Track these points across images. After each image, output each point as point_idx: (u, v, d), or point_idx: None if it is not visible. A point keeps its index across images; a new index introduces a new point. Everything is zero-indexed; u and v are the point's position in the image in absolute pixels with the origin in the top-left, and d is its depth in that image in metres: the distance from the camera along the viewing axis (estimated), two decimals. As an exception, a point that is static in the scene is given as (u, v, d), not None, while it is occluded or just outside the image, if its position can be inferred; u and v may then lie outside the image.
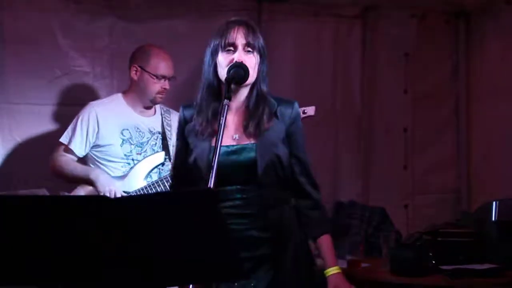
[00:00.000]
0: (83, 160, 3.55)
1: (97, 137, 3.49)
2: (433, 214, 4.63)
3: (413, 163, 4.80)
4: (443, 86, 4.89)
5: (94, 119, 3.48)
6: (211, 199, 1.80)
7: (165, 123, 3.61)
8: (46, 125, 3.99)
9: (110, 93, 4.05)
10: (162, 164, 3.54)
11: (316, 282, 2.52)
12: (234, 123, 2.46)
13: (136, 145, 3.52)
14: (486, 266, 3.50)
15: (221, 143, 2.19)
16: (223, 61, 2.40)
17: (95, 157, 3.52)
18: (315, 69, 4.63)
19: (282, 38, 4.50)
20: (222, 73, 2.40)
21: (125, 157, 3.50)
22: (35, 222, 1.74)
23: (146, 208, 1.77)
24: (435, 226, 3.84)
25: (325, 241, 2.52)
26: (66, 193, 3.41)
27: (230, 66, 2.37)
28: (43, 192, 3.23)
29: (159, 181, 3.44)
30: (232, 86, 2.35)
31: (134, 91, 3.58)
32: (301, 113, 3.41)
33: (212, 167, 2.14)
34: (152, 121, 3.61)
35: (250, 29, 2.43)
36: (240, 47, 2.40)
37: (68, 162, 3.49)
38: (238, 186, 2.41)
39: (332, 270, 2.51)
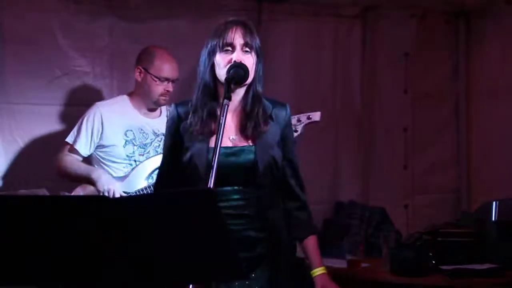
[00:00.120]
0: (88, 161, 3.56)
1: (101, 138, 3.50)
2: (433, 214, 4.64)
3: (413, 163, 4.81)
4: (443, 86, 4.90)
5: (98, 120, 3.49)
6: (211, 199, 1.80)
7: None
8: (46, 125, 3.99)
9: (110, 93, 4.05)
10: (164, 165, 3.54)
11: (307, 282, 2.56)
12: (230, 124, 2.45)
13: (139, 146, 3.53)
14: (486, 266, 3.51)
15: (221, 143, 2.19)
16: (221, 61, 2.39)
17: (99, 158, 3.53)
18: (315, 69, 4.63)
19: (282, 38, 4.50)
20: (221, 73, 2.39)
21: (127, 158, 3.50)
22: (35, 222, 1.74)
23: (146, 208, 1.77)
24: (435, 226, 3.84)
25: (311, 242, 2.57)
26: (66, 193, 3.41)
27: (230, 66, 2.36)
28: (43, 192, 3.23)
29: (160, 182, 3.44)
30: (231, 86, 2.35)
31: (138, 92, 3.59)
32: (306, 119, 3.44)
33: (211, 168, 2.15)
34: (157, 122, 3.61)
35: (247, 29, 2.42)
36: (238, 47, 2.40)
37: (72, 161, 3.51)
38: (236, 187, 2.41)
39: (319, 271, 2.55)
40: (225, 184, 2.38)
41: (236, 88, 2.40)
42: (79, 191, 3.47)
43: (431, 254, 3.56)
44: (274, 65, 4.19)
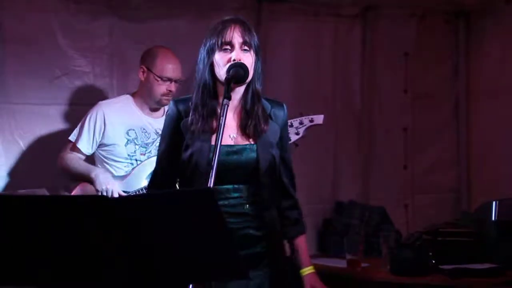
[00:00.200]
0: (92, 159, 3.57)
1: (103, 136, 3.51)
2: (433, 214, 4.63)
3: (413, 163, 4.81)
4: (443, 86, 4.89)
5: (101, 118, 3.50)
6: (211, 199, 1.80)
7: None
8: (46, 125, 3.99)
9: (110, 93, 4.05)
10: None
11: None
12: (231, 122, 2.45)
13: (141, 146, 3.54)
14: (486, 266, 3.51)
15: (221, 142, 2.19)
16: (221, 60, 2.39)
17: (101, 156, 3.54)
18: (315, 69, 4.63)
19: (282, 38, 4.50)
20: (220, 72, 2.39)
21: (128, 157, 3.51)
22: (35, 222, 1.74)
23: (146, 208, 1.77)
24: (435, 226, 3.84)
25: (301, 242, 2.61)
26: (66, 193, 3.41)
27: (230, 66, 2.36)
28: (43, 192, 3.24)
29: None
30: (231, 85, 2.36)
31: (141, 92, 3.60)
32: (309, 122, 3.45)
33: (212, 166, 2.15)
34: (160, 122, 3.59)
35: (246, 28, 2.42)
36: (237, 46, 2.40)
37: (73, 159, 3.52)
38: (237, 186, 2.42)
39: (308, 270, 2.59)
40: (225, 182, 2.39)
41: (235, 87, 2.40)
42: (79, 191, 3.47)
43: (431, 254, 3.56)
44: (274, 64, 4.19)
